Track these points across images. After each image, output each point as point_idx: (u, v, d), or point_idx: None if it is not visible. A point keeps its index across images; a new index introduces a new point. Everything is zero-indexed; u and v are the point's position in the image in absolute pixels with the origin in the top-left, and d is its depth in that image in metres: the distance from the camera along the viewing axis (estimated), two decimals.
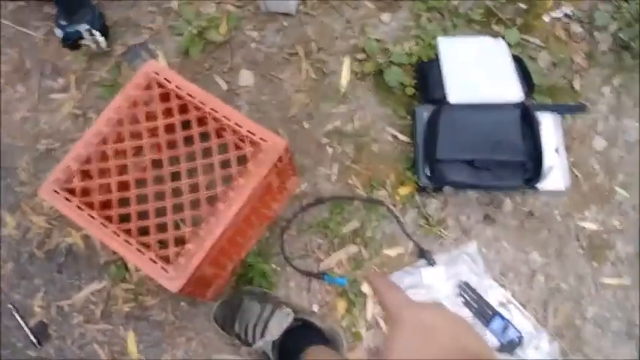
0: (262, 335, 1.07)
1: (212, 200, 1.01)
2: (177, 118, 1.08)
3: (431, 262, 1.21)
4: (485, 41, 1.35)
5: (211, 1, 1.47)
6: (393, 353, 0.40)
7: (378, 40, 1.41)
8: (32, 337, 1.20)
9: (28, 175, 1.33)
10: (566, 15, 1.44)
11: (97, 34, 1.37)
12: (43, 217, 1.28)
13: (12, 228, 1.29)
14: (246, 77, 1.41)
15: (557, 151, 1.25)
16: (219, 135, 1.08)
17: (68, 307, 1.23)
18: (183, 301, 1.22)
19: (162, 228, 1.00)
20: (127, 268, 1.23)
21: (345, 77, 1.39)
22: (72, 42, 1.40)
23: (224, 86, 1.39)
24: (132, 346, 1.20)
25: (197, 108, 1.07)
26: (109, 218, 1.00)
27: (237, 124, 1.04)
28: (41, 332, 1.21)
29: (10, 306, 1.23)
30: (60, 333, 1.21)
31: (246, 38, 1.44)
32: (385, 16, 1.45)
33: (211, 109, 1.06)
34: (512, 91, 1.26)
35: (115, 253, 1.22)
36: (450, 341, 0.40)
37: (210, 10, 1.47)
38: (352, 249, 1.25)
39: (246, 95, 1.38)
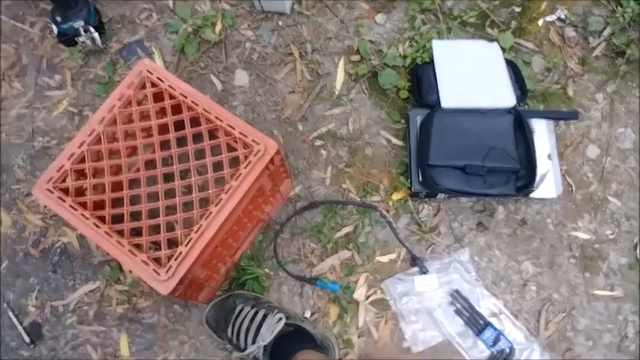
0: (254, 340, 1.08)
1: (204, 202, 1.01)
2: (170, 118, 1.08)
3: (423, 270, 1.22)
4: (480, 45, 1.36)
5: (208, 2, 1.47)
6: None
7: (372, 42, 1.41)
8: (26, 337, 1.21)
9: (24, 172, 1.33)
10: (560, 19, 1.43)
11: (93, 30, 1.37)
12: (38, 216, 1.29)
13: (8, 226, 1.29)
14: (241, 77, 1.41)
15: (549, 157, 1.26)
16: (212, 136, 1.08)
17: (62, 308, 1.24)
18: (177, 303, 1.23)
19: (154, 229, 1.01)
20: (121, 269, 1.24)
21: (339, 79, 1.39)
22: (68, 38, 1.39)
23: (219, 86, 1.39)
24: (124, 348, 1.21)
25: (190, 108, 1.07)
26: (101, 218, 1.00)
27: (229, 125, 1.04)
28: (35, 332, 1.22)
29: (4, 305, 1.24)
30: (53, 333, 1.22)
31: (242, 37, 1.43)
32: (380, 17, 1.45)
33: (204, 109, 1.05)
34: (505, 97, 1.26)
35: (108, 253, 1.24)
36: None
37: (205, 8, 1.46)
38: (345, 254, 1.26)
39: (242, 95, 1.39)
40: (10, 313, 1.23)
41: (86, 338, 1.22)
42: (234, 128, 1.04)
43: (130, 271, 1.24)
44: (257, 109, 1.37)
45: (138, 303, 1.23)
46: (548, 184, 1.24)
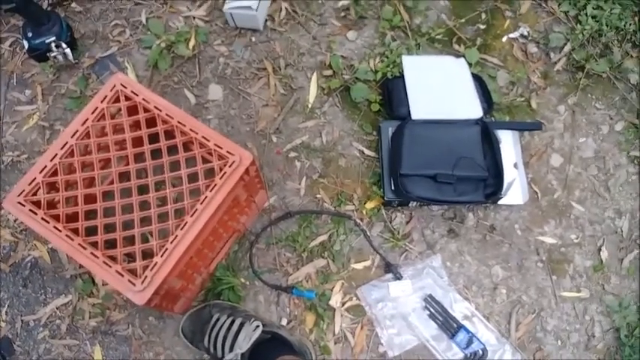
0: (231, 349, 1.08)
1: (180, 213, 1.02)
2: (144, 131, 1.08)
3: (397, 276, 1.25)
4: (447, 60, 1.41)
5: (179, 15, 1.49)
6: None
7: (344, 57, 1.45)
8: None
9: None
10: (522, 36, 1.50)
11: (65, 46, 1.37)
12: (8, 230, 1.27)
13: None
14: (215, 91, 1.42)
15: (515, 166, 1.30)
16: (186, 148, 1.09)
17: (33, 322, 1.21)
18: (152, 315, 1.22)
19: (129, 241, 1.00)
20: (93, 282, 1.23)
21: (312, 93, 1.42)
22: (39, 54, 1.39)
23: (193, 100, 1.40)
24: None
25: (164, 121, 1.08)
26: (75, 231, 1.00)
27: (204, 137, 1.05)
28: (5, 348, 1.19)
29: None
30: (25, 348, 1.20)
31: (215, 53, 1.45)
32: (351, 34, 1.49)
33: (179, 122, 1.06)
34: (472, 109, 1.31)
35: (81, 266, 1.23)
36: None
37: (178, 24, 1.48)
38: (320, 262, 1.27)
39: (215, 109, 1.40)
40: None
41: (59, 352, 1.20)
42: (208, 140, 1.05)
43: (104, 284, 1.22)
44: (231, 122, 1.39)
45: (111, 316, 1.22)
46: (515, 192, 1.29)
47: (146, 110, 1.09)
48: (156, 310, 1.21)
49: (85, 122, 1.07)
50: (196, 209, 1.00)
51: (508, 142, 1.33)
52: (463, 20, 1.50)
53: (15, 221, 1.28)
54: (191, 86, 1.42)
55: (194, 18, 1.49)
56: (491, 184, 1.23)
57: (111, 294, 1.22)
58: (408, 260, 1.28)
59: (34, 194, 1.02)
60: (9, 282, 1.24)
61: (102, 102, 1.09)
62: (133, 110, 1.10)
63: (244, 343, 1.07)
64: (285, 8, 1.49)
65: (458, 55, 1.44)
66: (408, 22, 1.49)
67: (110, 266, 0.97)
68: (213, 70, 1.44)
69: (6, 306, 1.23)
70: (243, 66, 1.44)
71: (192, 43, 1.45)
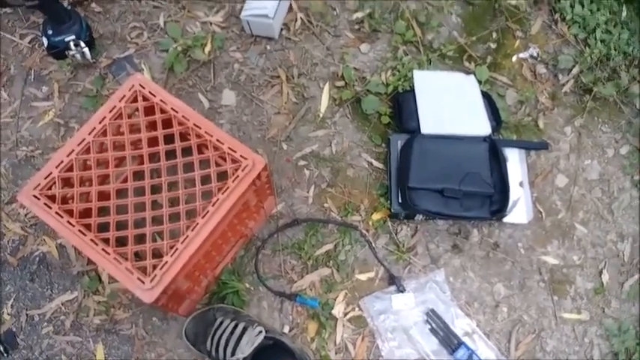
0: (233, 353, 1.09)
1: (191, 214, 1.03)
2: (160, 132, 1.10)
3: (400, 289, 1.26)
4: (458, 77, 1.44)
5: (197, 21, 1.51)
6: None
7: (356, 69, 1.47)
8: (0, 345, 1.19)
9: (5, 180, 1.33)
10: (532, 56, 1.52)
11: (84, 45, 1.39)
12: (18, 224, 1.28)
13: None
14: (228, 97, 1.44)
15: (521, 185, 1.32)
16: (200, 150, 1.11)
17: (38, 317, 1.22)
18: (155, 316, 1.23)
19: (140, 239, 1.02)
20: (100, 280, 1.24)
21: (324, 103, 1.44)
22: (57, 52, 1.41)
23: (206, 104, 1.42)
24: (101, 359, 1.21)
25: (180, 123, 1.10)
26: (87, 227, 1.01)
27: (218, 140, 1.07)
28: (9, 341, 1.20)
29: None
30: (28, 342, 1.21)
31: (230, 59, 1.48)
32: (364, 47, 1.51)
33: (194, 124, 1.08)
34: (481, 126, 1.33)
35: (88, 263, 1.24)
36: None
37: (195, 29, 1.50)
38: (325, 271, 1.28)
39: (228, 114, 1.42)
40: None
41: (62, 348, 1.21)
42: (222, 143, 1.07)
43: (110, 282, 1.23)
44: (243, 128, 1.40)
45: (116, 314, 1.23)
46: (519, 211, 1.30)
47: (162, 111, 1.11)
48: (160, 311, 1.22)
49: (102, 120, 1.09)
50: (208, 211, 1.02)
51: (515, 161, 1.34)
52: (474, 38, 1.53)
53: (26, 215, 1.29)
54: (205, 90, 1.44)
55: (211, 24, 1.51)
56: (497, 200, 1.25)
57: (116, 292, 1.23)
58: (412, 273, 1.30)
59: (49, 189, 1.04)
60: (16, 276, 1.25)
61: (120, 101, 1.10)
62: (149, 111, 1.12)
63: (246, 347, 1.08)
64: (301, 18, 1.52)
65: (468, 72, 1.46)
66: (420, 38, 1.51)
67: (120, 263, 0.98)
68: (228, 75, 1.46)
69: (12, 299, 1.24)
70: (257, 73, 1.46)
71: (208, 48, 1.47)
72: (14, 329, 1.22)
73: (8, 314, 1.22)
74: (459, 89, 1.41)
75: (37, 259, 1.26)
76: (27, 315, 1.23)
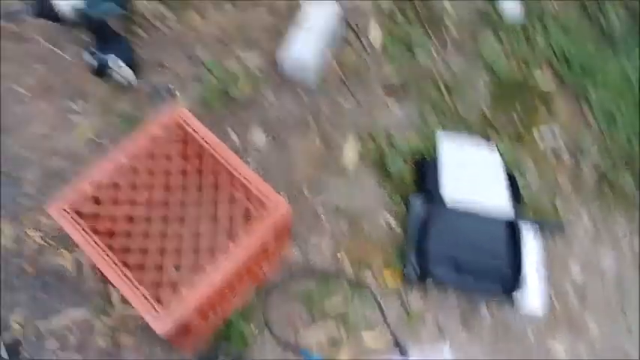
0: None
1: (212, 250, 1.05)
2: (192, 164, 1.13)
3: (404, 354, 1.26)
4: (482, 151, 1.47)
5: (236, 58, 1.56)
6: None
7: (384, 126, 1.52)
8: (4, 352, 1.19)
9: (33, 188, 1.35)
10: (554, 137, 1.56)
11: (126, 67, 1.44)
12: (39, 234, 1.30)
13: (7, 237, 1.30)
14: (257, 136, 1.48)
15: (535, 268, 1.34)
16: (228, 187, 1.13)
17: (45, 330, 1.23)
18: (160, 347, 1.22)
19: (159, 268, 1.04)
20: (110, 302, 1.25)
21: (349, 155, 1.48)
22: (99, 70, 1.46)
23: (236, 141, 1.46)
24: None
25: (213, 158, 1.12)
26: (110, 247, 1.03)
27: (247, 179, 1.09)
28: (13, 350, 1.20)
29: None
30: (31, 354, 1.21)
31: (264, 99, 1.52)
32: (393, 105, 1.56)
33: (226, 161, 1.11)
34: (502, 203, 1.36)
35: (102, 283, 1.25)
36: None
37: (234, 66, 1.55)
38: (331, 326, 1.28)
39: (255, 153, 1.45)
40: None
41: None
42: (250, 183, 1.09)
43: (121, 303, 1.24)
44: (268, 168, 1.43)
45: (121, 339, 1.23)
46: (534, 302, 1.32)
47: (197, 145, 1.14)
48: (166, 342, 1.22)
49: (139, 145, 1.12)
50: (229, 248, 1.03)
51: (531, 242, 1.37)
52: (500, 111, 1.57)
53: (49, 226, 1.31)
54: (236, 127, 1.47)
55: (249, 63, 1.56)
56: (511, 279, 1.27)
57: (124, 317, 1.24)
58: (418, 340, 1.30)
59: (79, 204, 1.06)
60: (29, 284, 1.26)
61: (159, 129, 1.14)
62: (184, 142, 1.15)
63: None
64: (337, 71, 1.57)
65: (492, 143, 1.49)
66: (448, 103, 1.56)
67: (138, 288, 0.99)
68: (259, 115, 1.50)
69: (22, 307, 1.24)
70: (287, 117, 1.50)
71: (243, 86, 1.52)
72: (20, 338, 1.22)
73: (16, 322, 1.23)
74: (483, 164, 1.44)
75: (53, 271, 1.28)
76: (34, 326, 1.23)
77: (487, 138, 1.52)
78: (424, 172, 1.41)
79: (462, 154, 1.44)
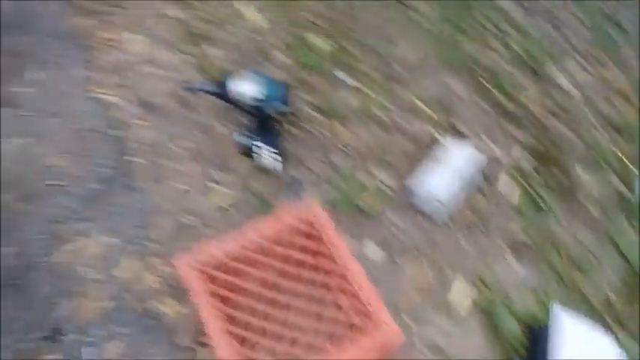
0: None
1: (310, 346, 1.04)
2: (309, 259, 1.15)
3: None
4: (603, 344, 1.32)
5: (370, 174, 1.64)
6: None
7: (500, 280, 1.49)
8: None
9: (161, 235, 1.45)
10: None
11: (273, 154, 1.54)
12: (158, 279, 1.37)
13: (126, 273, 1.37)
14: (374, 252, 1.50)
15: None
16: (338, 292, 1.13)
17: None
18: None
19: (254, 346, 1.03)
20: None
21: (459, 297, 1.45)
22: (246, 150, 1.58)
23: (357, 251, 1.48)
24: None
25: (333, 261, 1.14)
26: (220, 311, 1.05)
27: (364, 295, 1.08)
28: None
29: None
30: None
31: (387, 219, 1.56)
32: (512, 260, 1.53)
33: (346, 268, 1.12)
34: None
35: (195, 342, 1.25)
36: None
37: (366, 180, 1.62)
38: None
39: (368, 266, 1.44)
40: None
41: None
42: (369, 302, 1.08)
43: None
44: (377, 287, 1.42)
45: None
46: None
47: (320, 243, 1.17)
48: None
49: (272, 229, 1.17)
50: (327, 350, 1.01)
51: None
52: (628, 304, 1.48)
53: (166, 274, 1.37)
54: (355, 237, 1.51)
55: (382, 182, 1.62)
56: None
57: None
58: None
59: (207, 265, 1.11)
60: (131, 321, 1.31)
61: (293, 220, 1.19)
62: (308, 236, 1.19)
63: None
64: (464, 214, 1.59)
65: (611, 334, 1.39)
66: (571, 277, 1.51)
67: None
68: (380, 233, 1.53)
69: (119, 340, 1.28)
70: (405, 240, 1.52)
71: (372, 201, 1.57)
72: None
73: (110, 355, 1.26)
74: (600, 355, 1.30)
75: (156, 315, 1.32)
76: None
77: (607, 327, 1.42)
78: (535, 342, 1.34)
79: (578, 338, 1.32)
